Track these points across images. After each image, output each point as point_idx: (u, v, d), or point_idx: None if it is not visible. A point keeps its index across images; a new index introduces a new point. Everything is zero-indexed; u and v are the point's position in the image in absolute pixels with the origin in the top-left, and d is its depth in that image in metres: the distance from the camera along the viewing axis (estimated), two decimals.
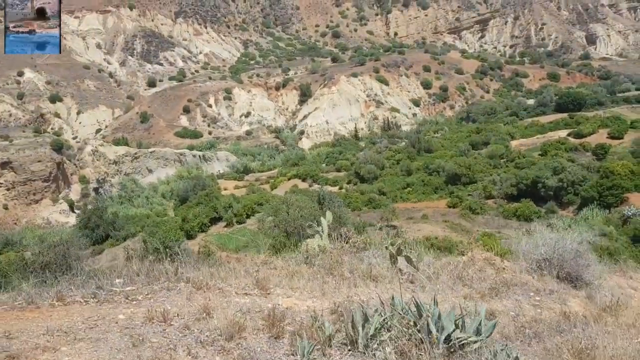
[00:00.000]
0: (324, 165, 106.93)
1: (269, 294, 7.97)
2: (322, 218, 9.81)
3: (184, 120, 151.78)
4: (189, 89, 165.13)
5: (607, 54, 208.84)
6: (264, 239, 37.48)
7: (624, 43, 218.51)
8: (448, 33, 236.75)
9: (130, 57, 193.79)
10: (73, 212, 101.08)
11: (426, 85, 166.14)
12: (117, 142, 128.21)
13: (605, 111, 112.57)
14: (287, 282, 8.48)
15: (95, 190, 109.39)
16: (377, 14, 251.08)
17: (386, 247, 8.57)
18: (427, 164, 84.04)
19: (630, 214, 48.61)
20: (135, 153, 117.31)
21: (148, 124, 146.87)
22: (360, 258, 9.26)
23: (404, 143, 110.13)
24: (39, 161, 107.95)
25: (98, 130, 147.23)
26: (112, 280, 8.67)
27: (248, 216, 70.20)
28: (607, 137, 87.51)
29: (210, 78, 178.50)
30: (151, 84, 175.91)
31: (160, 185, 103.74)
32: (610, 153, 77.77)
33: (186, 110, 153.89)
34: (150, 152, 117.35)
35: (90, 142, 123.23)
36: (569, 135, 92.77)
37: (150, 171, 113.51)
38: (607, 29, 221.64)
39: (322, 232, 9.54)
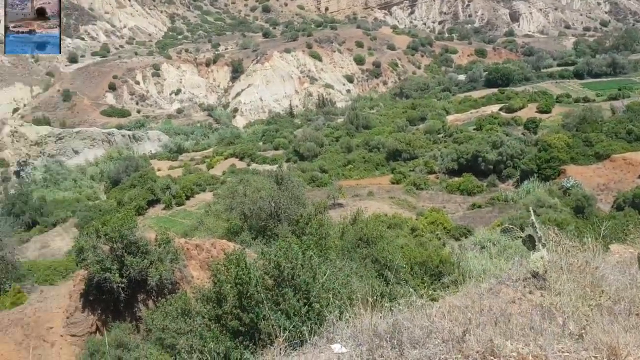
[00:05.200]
0: (260, 143, 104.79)
1: None
2: (532, 217, 7.28)
3: (110, 98, 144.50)
4: (114, 64, 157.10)
5: (529, 31, 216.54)
6: (216, 222, 35.85)
7: (544, 20, 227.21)
8: (379, 9, 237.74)
9: None
10: None
11: (359, 61, 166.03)
12: (37, 122, 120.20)
13: (533, 86, 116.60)
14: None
15: (17, 173, 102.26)
16: None
17: None
18: (367, 141, 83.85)
19: (568, 185, 50.25)
20: (59, 133, 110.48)
21: (71, 102, 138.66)
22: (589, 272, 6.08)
23: (341, 120, 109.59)
24: None
25: (15, 110, 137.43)
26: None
27: (187, 197, 67.79)
28: (536, 112, 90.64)
29: (136, 53, 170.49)
30: (72, 59, 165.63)
31: (89, 167, 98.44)
32: (541, 127, 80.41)
33: (112, 88, 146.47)
34: (76, 132, 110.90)
35: (8, 122, 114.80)
36: (500, 109, 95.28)
37: (76, 152, 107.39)
38: (529, 7, 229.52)
39: (540, 239, 6.63)
